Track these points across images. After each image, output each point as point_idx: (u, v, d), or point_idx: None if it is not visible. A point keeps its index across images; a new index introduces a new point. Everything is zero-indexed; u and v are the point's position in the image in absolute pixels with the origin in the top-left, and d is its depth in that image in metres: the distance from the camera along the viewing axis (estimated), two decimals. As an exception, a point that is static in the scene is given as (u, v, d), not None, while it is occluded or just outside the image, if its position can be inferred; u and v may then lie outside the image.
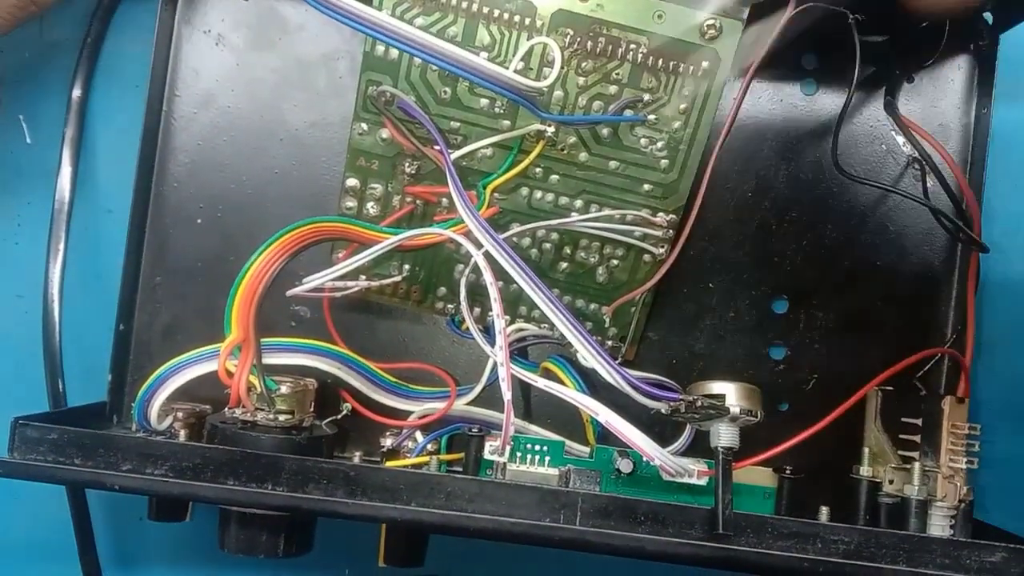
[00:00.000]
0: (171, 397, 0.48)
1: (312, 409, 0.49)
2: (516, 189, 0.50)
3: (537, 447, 0.48)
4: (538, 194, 0.50)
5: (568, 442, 0.50)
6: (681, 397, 0.44)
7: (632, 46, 0.46)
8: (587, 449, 0.51)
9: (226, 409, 0.47)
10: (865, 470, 0.50)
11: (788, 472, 0.49)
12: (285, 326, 0.54)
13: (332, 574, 0.57)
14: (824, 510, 0.49)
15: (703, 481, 0.46)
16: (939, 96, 0.55)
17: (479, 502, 0.43)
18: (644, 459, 0.44)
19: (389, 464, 0.51)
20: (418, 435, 0.51)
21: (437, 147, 0.47)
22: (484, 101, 0.48)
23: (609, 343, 0.53)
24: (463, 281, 0.47)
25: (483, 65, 0.44)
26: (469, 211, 0.45)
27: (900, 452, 0.50)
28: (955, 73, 0.54)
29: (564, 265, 0.52)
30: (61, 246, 0.53)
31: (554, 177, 0.49)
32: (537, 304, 0.43)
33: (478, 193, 0.48)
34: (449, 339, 0.55)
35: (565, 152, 0.49)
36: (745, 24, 0.45)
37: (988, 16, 0.54)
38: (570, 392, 0.45)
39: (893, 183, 0.53)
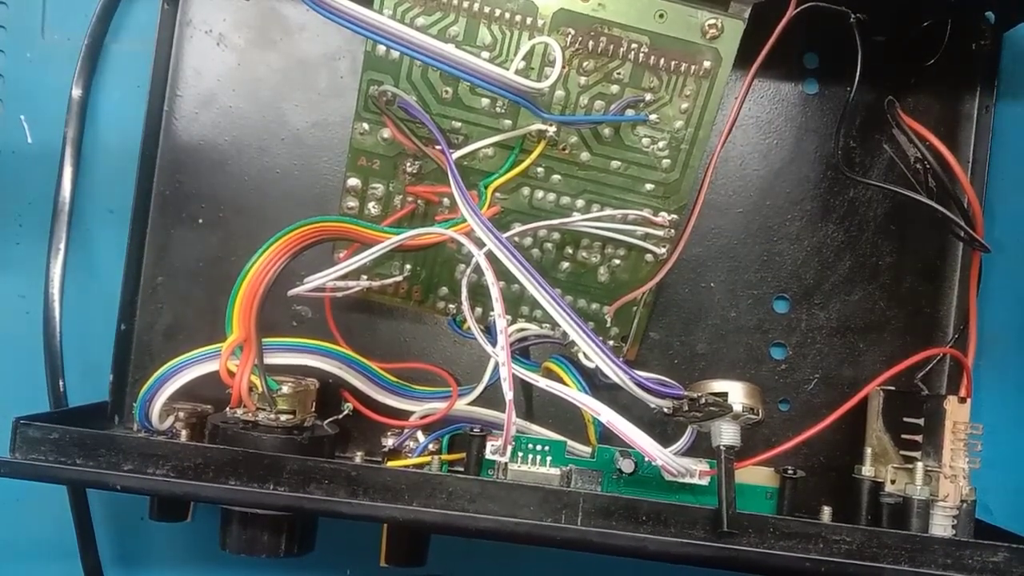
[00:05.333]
0: (172, 397, 0.47)
1: (313, 409, 0.49)
2: (517, 189, 0.50)
3: (539, 447, 0.48)
4: (539, 194, 0.50)
5: (570, 442, 0.50)
6: (684, 394, 0.44)
7: (634, 45, 0.46)
8: (589, 449, 0.51)
9: (227, 409, 0.47)
10: (867, 470, 0.50)
11: (790, 472, 0.49)
12: (287, 326, 0.54)
13: (334, 574, 0.57)
14: (826, 510, 0.49)
15: (705, 481, 0.46)
16: (941, 96, 0.55)
17: (481, 502, 0.43)
18: (646, 459, 0.44)
19: (391, 464, 0.51)
20: (419, 435, 0.51)
21: (438, 147, 0.47)
22: (485, 101, 0.48)
23: (611, 343, 0.53)
24: (464, 281, 0.47)
25: (483, 66, 0.44)
26: (471, 210, 0.44)
27: (902, 452, 0.50)
28: (957, 73, 0.54)
29: (566, 265, 0.52)
30: (62, 246, 0.53)
31: (555, 177, 0.49)
32: (540, 303, 0.43)
33: (479, 193, 0.48)
34: (450, 339, 0.55)
35: (567, 152, 0.49)
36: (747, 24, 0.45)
37: (990, 16, 0.54)
38: (572, 392, 0.45)
39: (895, 182, 0.53)
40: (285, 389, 0.47)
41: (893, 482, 0.49)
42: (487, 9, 0.45)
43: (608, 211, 0.50)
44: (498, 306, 0.43)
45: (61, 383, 0.53)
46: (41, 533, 0.56)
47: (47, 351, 0.53)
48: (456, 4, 0.45)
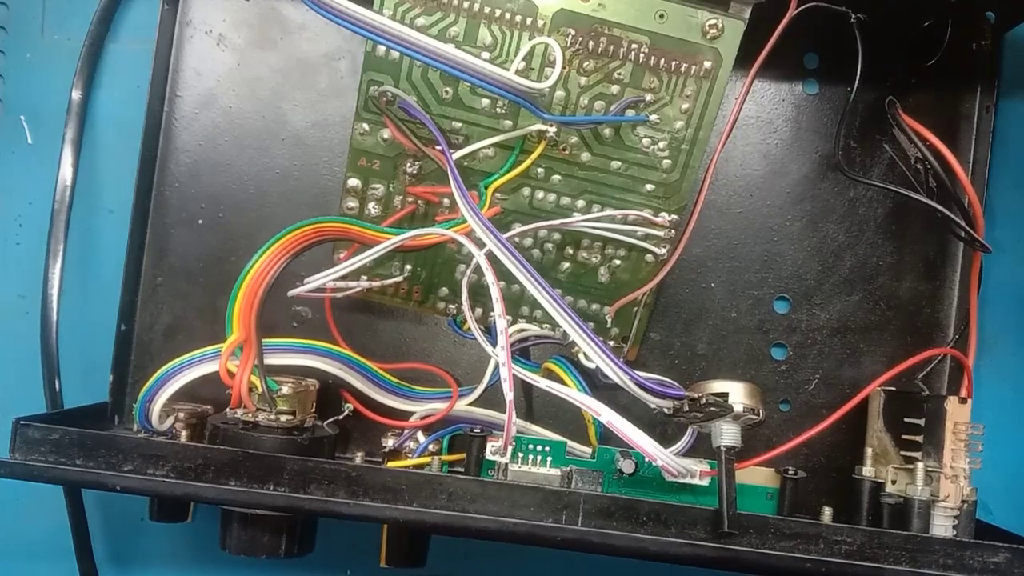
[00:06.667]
0: (172, 398, 0.48)
1: (313, 410, 0.49)
2: (518, 189, 0.50)
3: (539, 447, 0.48)
4: (540, 194, 0.50)
5: (570, 443, 0.50)
6: (685, 395, 0.44)
7: (634, 46, 0.46)
8: (589, 450, 0.51)
9: (228, 410, 0.47)
10: (868, 470, 0.50)
11: (790, 472, 0.49)
12: (287, 326, 0.54)
13: (334, 574, 0.57)
14: (827, 510, 0.49)
15: (705, 481, 0.46)
16: (941, 96, 0.55)
17: (481, 502, 0.43)
18: (646, 460, 0.44)
19: (391, 464, 0.51)
20: (420, 436, 0.51)
21: (439, 147, 0.47)
22: (486, 101, 0.48)
23: (611, 343, 0.53)
24: (465, 281, 0.47)
25: (483, 67, 0.44)
26: (472, 210, 0.44)
27: (903, 452, 0.50)
28: (958, 73, 0.54)
29: (566, 265, 0.52)
30: (61, 246, 0.53)
31: (556, 177, 0.49)
32: (540, 303, 0.43)
33: (480, 193, 0.48)
34: (451, 339, 0.55)
35: (567, 152, 0.49)
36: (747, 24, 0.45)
37: (991, 16, 0.54)
38: (572, 392, 0.45)
39: (895, 182, 0.53)
40: (285, 389, 0.47)
41: (894, 482, 0.49)
42: (487, 9, 0.45)
43: (608, 211, 0.50)
44: (498, 306, 0.43)
45: (57, 384, 0.53)
46: (41, 533, 0.56)
47: (44, 351, 0.53)
48: (456, 4, 0.45)
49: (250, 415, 0.46)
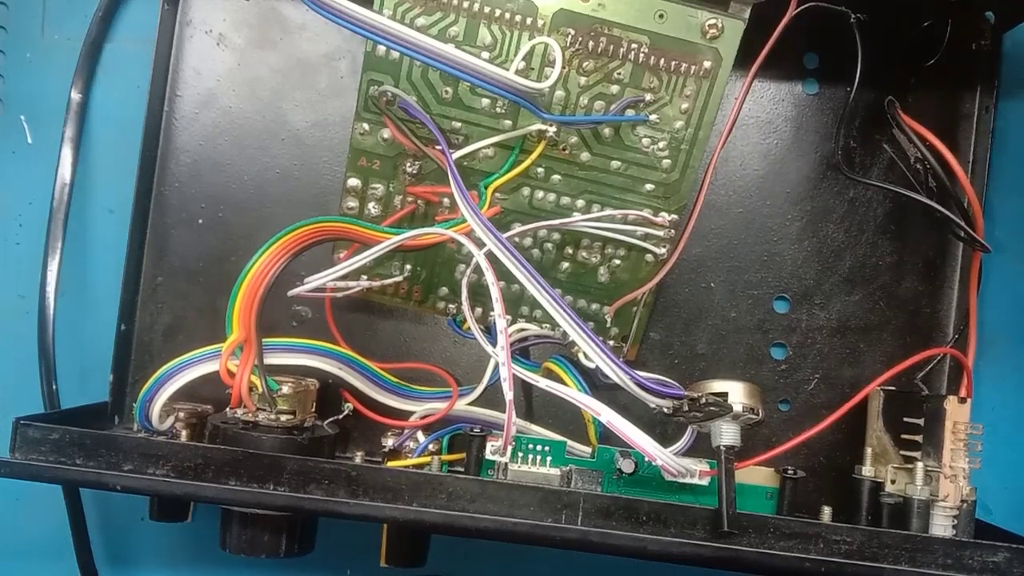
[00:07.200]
0: (173, 397, 0.48)
1: (313, 409, 0.49)
2: (518, 189, 0.50)
3: (539, 447, 0.48)
4: (540, 194, 0.50)
5: (570, 442, 0.50)
6: (685, 394, 0.44)
7: (634, 46, 0.46)
8: (589, 449, 0.51)
9: (228, 409, 0.47)
10: (867, 470, 0.50)
11: (790, 472, 0.49)
12: (287, 326, 0.54)
13: (334, 574, 0.57)
14: (826, 510, 0.49)
15: (705, 481, 0.46)
16: (941, 96, 0.54)
17: (481, 502, 0.43)
18: (646, 459, 0.44)
19: (391, 464, 0.51)
20: (419, 435, 0.51)
21: (438, 147, 0.47)
22: (486, 101, 0.48)
23: (611, 343, 0.53)
24: (464, 281, 0.47)
25: (483, 67, 0.44)
26: (472, 210, 0.45)
27: (902, 452, 0.50)
28: (957, 73, 0.54)
29: (566, 265, 0.52)
30: (60, 246, 0.53)
31: (556, 177, 0.49)
32: (540, 303, 0.43)
33: (479, 193, 0.48)
34: (450, 339, 0.55)
35: (567, 152, 0.49)
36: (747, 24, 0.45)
37: (990, 16, 0.54)
38: (572, 392, 0.45)
39: (895, 182, 0.53)
40: (285, 389, 0.47)
41: (893, 482, 0.49)
42: (487, 9, 0.45)
43: (608, 211, 0.50)
44: (498, 306, 0.43)
45: (53, 384, 0.53)
46: (40, 532, 0.56)
47: (41, 351, 0.53)
48: (456, 4, 0.45)
49: (250, 415, 0.46)
